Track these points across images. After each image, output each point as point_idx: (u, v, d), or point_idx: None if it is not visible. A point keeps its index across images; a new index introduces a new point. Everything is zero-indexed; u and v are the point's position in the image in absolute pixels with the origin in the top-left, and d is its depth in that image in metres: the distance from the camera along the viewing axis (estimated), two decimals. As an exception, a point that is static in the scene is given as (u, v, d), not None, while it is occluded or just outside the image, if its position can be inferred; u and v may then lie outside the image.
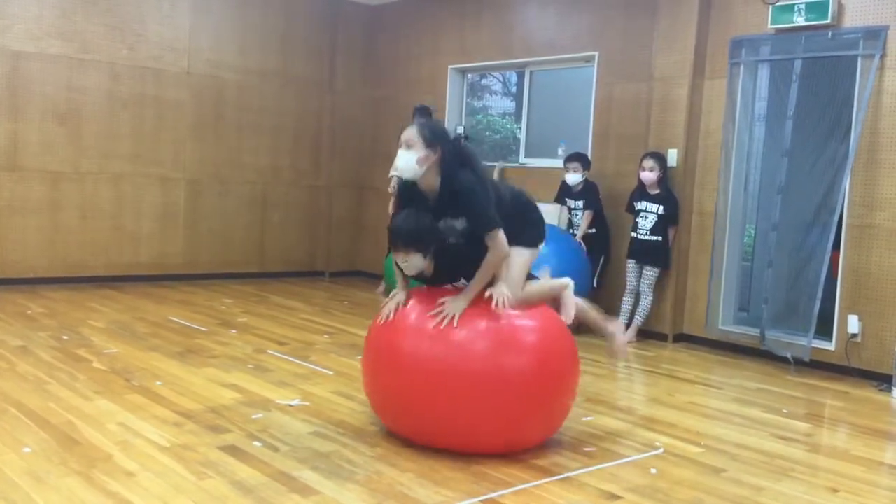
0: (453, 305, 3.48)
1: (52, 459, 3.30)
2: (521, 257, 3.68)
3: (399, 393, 3.61)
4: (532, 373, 3.49)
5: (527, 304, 3.66)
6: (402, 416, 3.68)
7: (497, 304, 3.47)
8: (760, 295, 6.24)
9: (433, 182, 3.58)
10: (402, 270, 3.72)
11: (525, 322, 3.60)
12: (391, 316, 3.66)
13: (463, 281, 3.71)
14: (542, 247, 3.85)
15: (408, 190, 3.71)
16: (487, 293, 3.51)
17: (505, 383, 3.44)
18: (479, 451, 3.55)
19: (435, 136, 3.53)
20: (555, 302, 3.92)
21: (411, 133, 3.53)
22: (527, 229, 3.77)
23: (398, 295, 3.73)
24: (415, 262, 3.59)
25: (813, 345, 5.82)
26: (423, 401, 3.51)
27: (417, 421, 3.60)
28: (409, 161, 3.52)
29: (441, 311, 3.48)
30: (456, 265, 3.69)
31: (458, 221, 3.57)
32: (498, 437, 3.55)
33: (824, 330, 5.89)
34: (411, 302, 3.68)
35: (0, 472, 3.14)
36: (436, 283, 3.76)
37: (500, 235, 3.50)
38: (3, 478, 3.09)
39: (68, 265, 7.82)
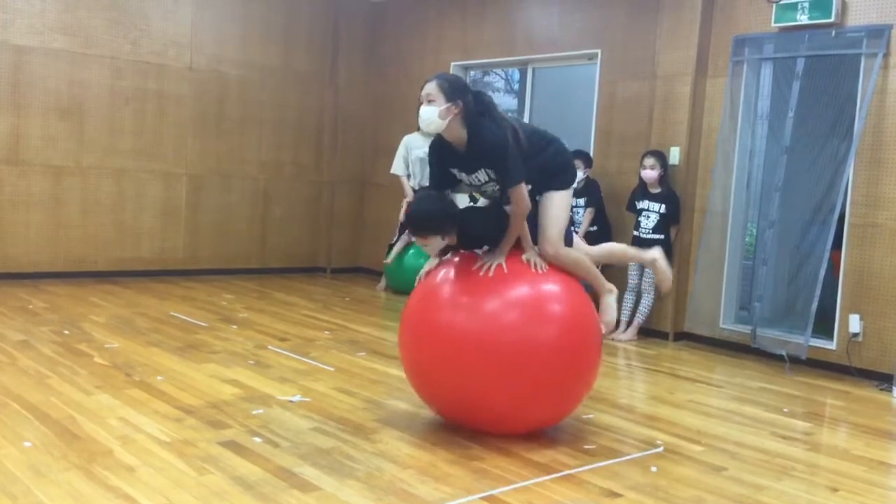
0: (492, 257, 3.65)
1: (52, 454, 3.30)
2: (561, 199, 3.83)
3: (430, 363, 3.72)
4: (558, 343, 3.59)
5: (569, 260, 3.80)
6: (435, 388, 3.79)
7: (535, 267, 3.66)
8: (756, 293, 6.24)
9: (460, 134, 3.66)
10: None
11: (553, 292, 3.70)
12: (422, 278, 3.88)
13: (486, 248, 3.84)
14: (573, 187, 3.99)
15: (437, 146, 3.81)
16: (524, 258, 3.70)
17: (531, 353, 3.54)
18: (507, 424, 3.69)
19: (455, 90, 3.60)
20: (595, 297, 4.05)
21: (431, 87, 3.60)
22: (563, 173, 3.89)
23: (431, 262, 3.92)
24: (434, 244, 3.75)
25: (814, 344, 5.82)
26: (452, 370, 3.61)
27: (446, 391, 3.72)
28: (432, 114, 3.58)
29: (482, 264, 3.64)
30: (477, 235, 3.82)
31: (491, 173, 3.69)
32: (523, 408, 3.65)
33: (825, 329, 5.89)
34: (443, 274, 3.79)
35: (0, 466, 3.14)
36: (462, 248, 3.89)
37: (522, 189, 3.61)
38: (3, 471, 3.09)
39: (70, 260, 7.83)
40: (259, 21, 8.80)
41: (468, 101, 3.62)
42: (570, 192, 3.92)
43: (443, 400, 3.81)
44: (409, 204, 3.79)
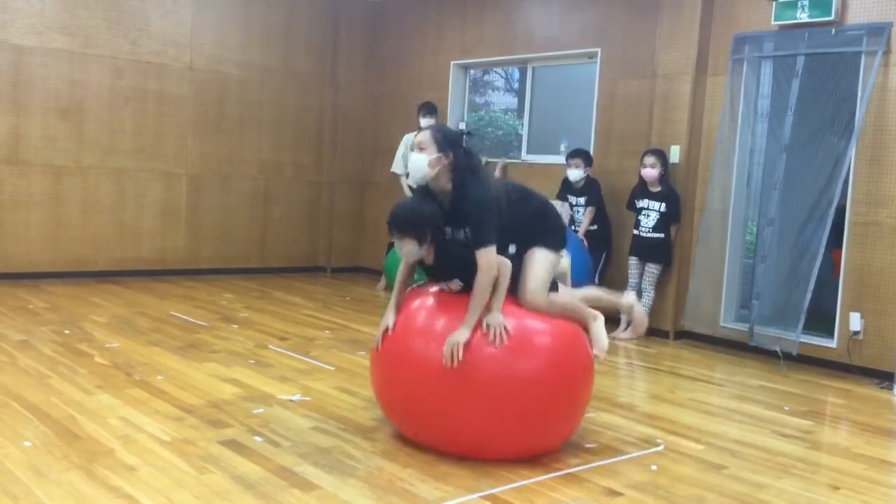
0: (455, 338, 3.37)
1: (53, 453, 3.30)
2: (544, 256, 3.69)
3: (409, 397, 3.56)
4: (545, 378, 3.43)
5: (551, 310, 3.62)
6: (412, 420, 3.63)
7: (494, 338, 3.37)
8: (754, 291, 6.24)
9: (445, 186, 3.64)
10: (397, 295, 3.77)
11: (538, 326, 3.52)
12: (379, 344, 3.67)
13: (457, 281, 3.64)
14: (563, 253, 3.86)
15: (423, 194, 3.75)
16: (484, 325, 3.41)
17: (517, 388, 3.37)
18: (492, 457, 3.48)
19: (447, 141, 3.61)
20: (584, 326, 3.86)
21: (424, 137, 3.63)
22: (551, 233, 3.80)
23: (387, 319, 3.71)
24: (410, 249, 3.59)
25: (815, 342, 5.85)
26: (433, 405, 3.45)
27: (426, 424, 3.55)
28: (422, 163, 3.59)
29: (447, 349, 3.36)
30: (453, 263, 3.64)
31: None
32: (510, 443, 3.47)
33: (826, 327, 5.89)
34: (418, 304, 3.65)
35: (1, 466, 3.14)
36: (435, 274, 3.74)
37: (490, 254, 3.46)
38: (4, 471, 3.09)
39: (70, 260, 7.83)
40: (259, 21, 8.80)
41: (459, 154, 3.61)
42: (557, 255, 3.77)
43: (421, 432, 3.61)
44: (396, 204, 3.66)
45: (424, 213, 3.60)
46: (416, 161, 3.61)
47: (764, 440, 4.09)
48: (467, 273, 3.53)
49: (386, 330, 3.67)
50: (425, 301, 3.66)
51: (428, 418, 3.52)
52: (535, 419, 3.45)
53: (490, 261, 3.46)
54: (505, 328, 3.40)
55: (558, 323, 3.60)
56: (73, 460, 3.24)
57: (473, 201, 3.54)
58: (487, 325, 3.41)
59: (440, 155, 3.58)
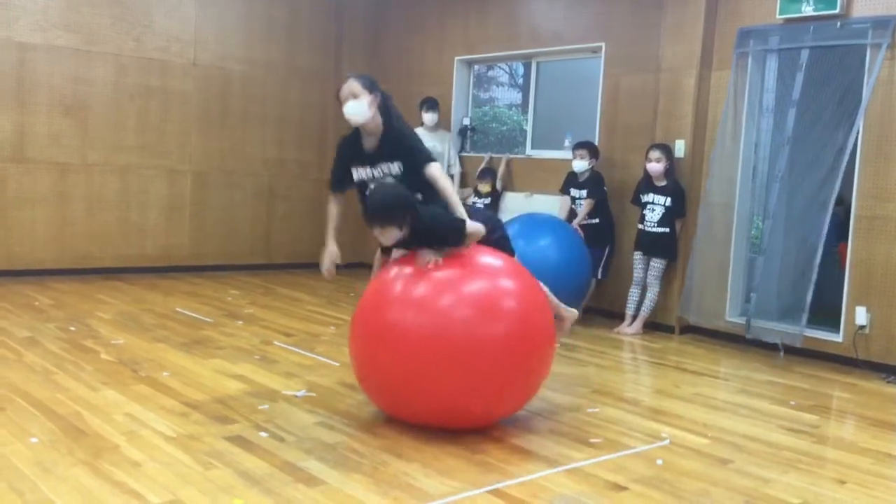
0: (432, 252, 3.69)
1: (59, 449, 3.31)
2: (437, 168, 3.99)
3: (381, 363, 3.69)
4: (510, 338, 3.59)
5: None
6: (384, 388, 3.77)
7: (426, 264, 3.64)
8: (752, 284, 6.23)
9: (378, 122, 3.95)
10: (332, 231, 4.40)
11: (505, 289, 3.71)
12: (330, 270, 4.38)
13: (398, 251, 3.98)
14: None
15: (349, 143, 4.08)
16: (418, 260, 3.70)
17: (483, 349, 3.53)
18: (458, 421, 3.68)
19: (373, 85, 3.95)
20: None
21: (354, 84, 3.92)
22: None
23: (329, 248, 4.37)
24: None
25: (821, 336, 5.85)
26: (402, 369, 3.59)
27: (397, 390, 3.69)
28: (362, 106, 3.90)
29: (425, 260, 3.67)
30: (427, 234, 3.78)
31: (395, 165, 3.94)
32: (476, 404, 3.62)
33: (832, 321, 5.88)
34: (392, 273, 3.80)
35: (7, 462, 3.15)
36: (410, 245, 3.88)
37: (438, 165, 3.95)
38: (10, 467, 3.10)
39: (75, 257, 7.84)
40: (262, 17, 8.79)
41: (383, 95, 3.97)
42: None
43: (392, 398, 3.78)
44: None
45: (399, 197, 3.72)
46: (356, 107, 3.89)
47: (770, 434, 4.08)
48: (437, 235, 3.74)
49: (331, 260, 4.38)
50: (394, 271, 3.82)
51: (397, 385, 3.65)
52: (501, 381, 3.60)
53: (440, 169, 3.94)
54: (437, 261, 3.65)
55: (523, 287, 3.76)
56: (79, 456, 3.25)
57: (407, 134, 3.99)
58: (419, 257, 3.71)
59: (372, 96, 3.91)
